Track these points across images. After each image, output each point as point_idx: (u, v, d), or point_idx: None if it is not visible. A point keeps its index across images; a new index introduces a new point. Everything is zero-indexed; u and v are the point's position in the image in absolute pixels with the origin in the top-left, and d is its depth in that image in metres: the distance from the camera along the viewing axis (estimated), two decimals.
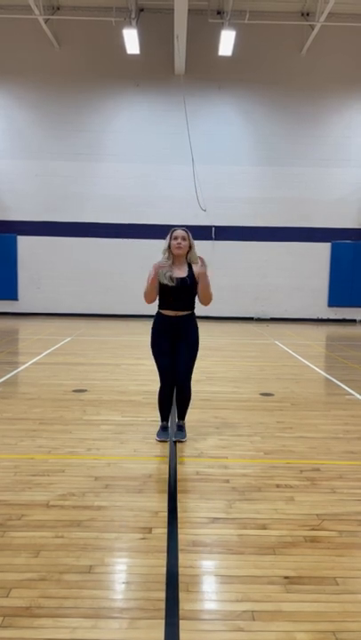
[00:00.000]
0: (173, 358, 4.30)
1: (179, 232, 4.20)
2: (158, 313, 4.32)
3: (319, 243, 15.65)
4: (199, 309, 4.41)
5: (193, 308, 4.31)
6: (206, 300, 4.28)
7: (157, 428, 4.56)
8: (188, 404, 4.49)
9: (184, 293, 4.18)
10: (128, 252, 15.47)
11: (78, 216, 15.46)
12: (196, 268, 4.22)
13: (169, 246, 4.19)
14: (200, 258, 4.22)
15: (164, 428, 4.49)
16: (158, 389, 4.46)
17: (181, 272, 4.18)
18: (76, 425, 4.81)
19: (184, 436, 4.42)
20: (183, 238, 4.18)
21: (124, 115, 15.32)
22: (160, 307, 4.29)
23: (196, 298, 4.31)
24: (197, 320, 4.40)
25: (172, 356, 4.30)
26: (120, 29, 13.30)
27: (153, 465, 3.89)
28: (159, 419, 4.57)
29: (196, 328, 4.37)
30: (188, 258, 4.24)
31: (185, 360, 4.29)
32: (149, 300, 4.23)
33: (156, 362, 4.36)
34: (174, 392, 4.44)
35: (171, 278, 4.11)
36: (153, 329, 4.36)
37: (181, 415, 4.52)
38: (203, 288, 4.21)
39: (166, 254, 4.21)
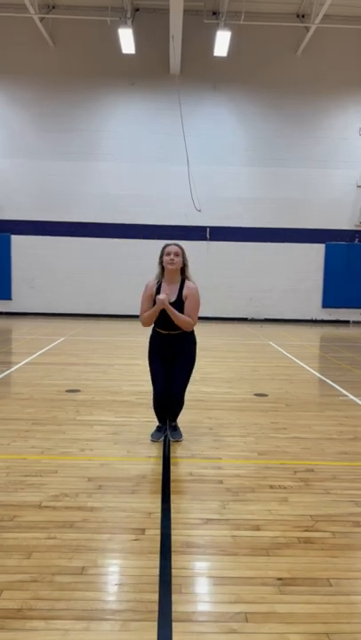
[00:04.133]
0: (167, 376, 4.26)
1: (172, 248, 4.05)
2: (153, 329, 4.28)
3: (314, 244, 15.69)
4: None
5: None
6: (183, 327, 4.10)
7: (151, 428, 4.55)
8: (179, 411, 4.48)
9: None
10: (122, 252, 15.45)
11: (72, 216, 15.42)
12: (185, 290, 4.08)
13: (161, 262, 4.08)
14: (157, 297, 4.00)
15: (158, 429, 4.48)
16: (153, 399, 4.41)
17: (172, 294, 4.05)
18: (69, 425, 4.78)
19: (180, 436, 4.43)
20: (176, 254, 4.03)
21: (119, 114, 15.29)
22: (155, 325, 4.22)
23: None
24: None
25: (166, 373, 4.26)
26: (115, 29, 13.27)
27: (146, 466, 3.88)
28: (156, 419, 4.55)
29: (192, 345, 4.25)
30: (184, 275, 4.13)
31: (179, 376, 4.25)
32: (147, 324, 4.17)
33: (151, 375, 4.35)
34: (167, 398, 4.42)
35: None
36: (149, 343, 4.35)
37: (173, 417, 4.51)
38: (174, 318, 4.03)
39: (158, 270, 4.12)
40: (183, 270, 4.15)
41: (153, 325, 4.24)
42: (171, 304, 4.00)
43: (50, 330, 12.21)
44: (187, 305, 4.06)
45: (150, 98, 15.17)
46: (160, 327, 4.19)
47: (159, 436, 4.41)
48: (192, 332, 4.25)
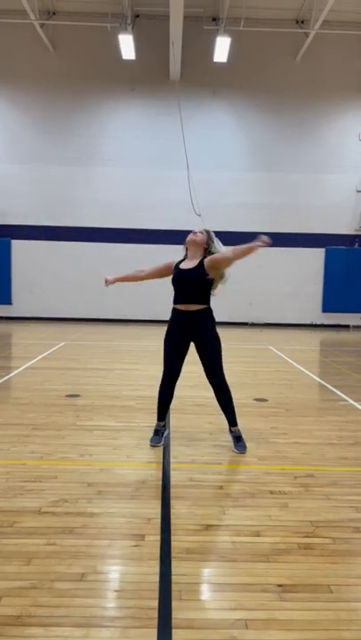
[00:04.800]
0: (181, 360, 4.25)
1: (197, 228, 4.26)
2: (172, 308, 4.26)
3: (313, 248, 15.71)
4: None
5: (205, 302, 4.15)
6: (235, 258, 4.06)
7: (151, 433, 4.50)
8: (231, 406, 4.27)
9: (192, 286, 4.09)
10: (123, 257, 15.43)
11: (73, 220, 15.45)
12: (207, 262, 4.08)
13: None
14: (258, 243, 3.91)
15: (157, 432, 4.43)
16: (160, 382, 4.37)
17: (190, 264, 4.15)
18: (68, 430, 4.77)
19: (244, 448, 4.24)
20: (201, 232, 4.19)
21: (119, 120, 15.35)
22: (173, 301, 4.23)
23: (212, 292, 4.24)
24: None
25: (181, 357, 4.24)
26: (116, 35, 13.33)
27: (146, 471, 3.87)
28: (156, 419, 4.48)
29: (211, 324, 4.17)
30: (208, 252, 4.16)
31: (209, 364, 4.18)
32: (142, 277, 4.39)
33: (164, 357, 4.29)
34: (174, 390, 4.38)
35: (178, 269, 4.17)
36: (168, 324, 4.30)
37: (231, 421, 4.29)
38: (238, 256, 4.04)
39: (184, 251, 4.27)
40: (207, 252, 4.18)
41: (173, 304, 4.24)
42: (189, 270, 4.10)
43: (50, 334, 12.21)
44: (217, 255, 4.11)
45: (150, 103, 15.23)
46: (177, 303, 4.20)
47: (158, 441, 4.38)
48: (209, 309, 4.21)
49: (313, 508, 3.28)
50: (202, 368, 4.27)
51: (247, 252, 3.96)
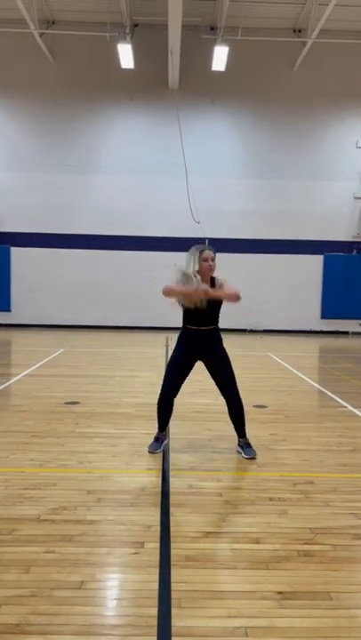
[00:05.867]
0: (185, 375, 4.33)
1: (208, 253, 4.12)
2: (184, 326, 4.29)
3: (312, 255, 15.73)
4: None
5: (216, 322, 4.29)
6: (233, 299, 4.16)
7: (150, 440, 4.50)
8: (243, 418, 4.38)
9: (210, 311, 4.18)
10: (122, 264, 15.50)
11: (72, 228, 15.48)
12: (218, 282, 4.22)
13: (197, 269, 4.07)
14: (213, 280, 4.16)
15: (157, 439, 4.44)
16: (159, 396, 4.40)
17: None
18: (68, 438, 4.77)
19: (254, 453, 4.31)
20: (212, 259, 4.14)
21: (118, 128, 15.42)
22: (185, 322, 4.27)
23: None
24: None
25: (186, 376, 4.33)
26: (114, 44, 13.42)
27: (146, 478, 3.87)
28: (156, 428, 4.49)
29: (221, 340, 4.32)
30: (216, 282, 4.20)
31: (224, 377, 4.30)
32: (168, 294, 4.07)
33: (170, 374, 4.33)
34: (174, 402, 4.42)
35: (203, 302, 4.06)
36: (178, 340, 4.35)
37: (241, 433, 4.40)
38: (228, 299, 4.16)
39: (195, 277, 4.03)
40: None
41: (183, 324, 4.28)
42: (209, 301, 4.10)
43: (49, 341, 12.20)
44: (228, 286, 4.20)
45: (149, 112, 15.31)
46: (191, 324, 4.23)
47: (157, 447, 4.38)
48: (218, 330, 4.32)
49: (312, 514, 3.28)
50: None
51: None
